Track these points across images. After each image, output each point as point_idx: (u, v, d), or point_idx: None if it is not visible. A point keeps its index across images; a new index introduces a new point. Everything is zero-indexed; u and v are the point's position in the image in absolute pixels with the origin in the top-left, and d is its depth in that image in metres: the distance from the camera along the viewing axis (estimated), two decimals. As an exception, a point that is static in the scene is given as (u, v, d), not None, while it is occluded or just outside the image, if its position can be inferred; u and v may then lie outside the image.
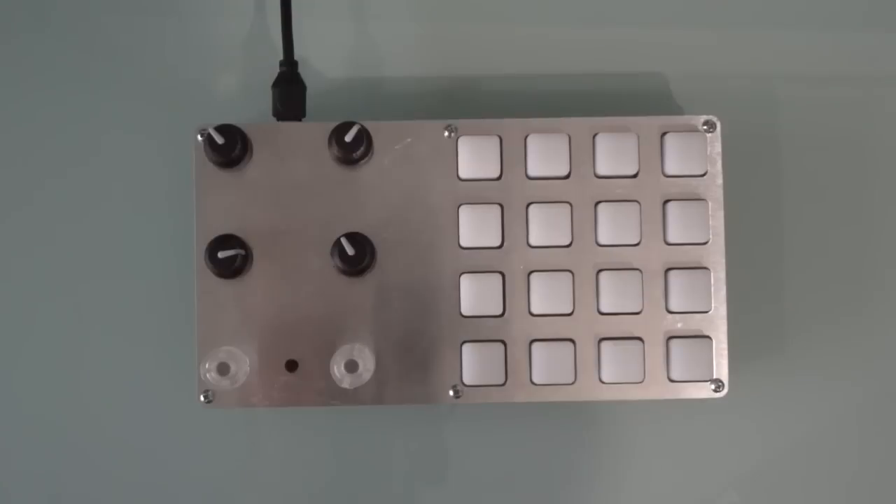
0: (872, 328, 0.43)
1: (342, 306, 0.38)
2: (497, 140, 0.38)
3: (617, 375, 0.38)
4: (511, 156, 0.38)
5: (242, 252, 0.37)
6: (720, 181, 0.38)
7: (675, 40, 0.43)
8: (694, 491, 0.43)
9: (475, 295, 0.38)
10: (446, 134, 0.38)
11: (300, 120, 0.39)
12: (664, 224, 0.38)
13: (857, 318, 0.43)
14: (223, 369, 0.36)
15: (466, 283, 0.38)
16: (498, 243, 0.38)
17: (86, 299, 0.42)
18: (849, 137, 0.43)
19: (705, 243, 0.38)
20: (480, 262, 0.38)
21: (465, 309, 0.38)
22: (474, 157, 0.38)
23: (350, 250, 0.37)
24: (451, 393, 0.38)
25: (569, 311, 0.38)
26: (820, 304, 0.43)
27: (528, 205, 0.38)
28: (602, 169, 0.38)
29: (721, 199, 0.38)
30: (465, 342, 0.38)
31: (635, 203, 0.38)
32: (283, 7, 0.40)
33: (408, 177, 0.38)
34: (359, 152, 0.37)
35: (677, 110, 0.43)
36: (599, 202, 0.38)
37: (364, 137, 0.37)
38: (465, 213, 0.38)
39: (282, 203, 0.38)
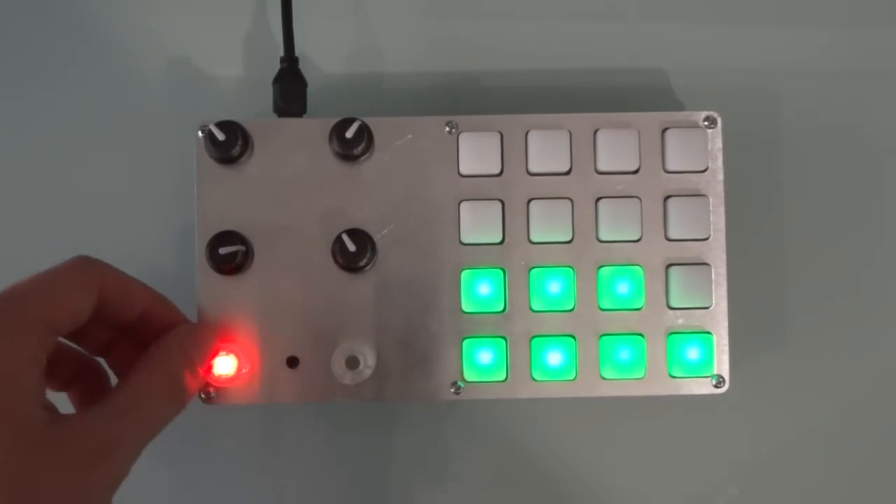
0: (874, 323, 0.43)
1: (343, 302, 0.38)
2: (498, 136, 0.38)
3: (618, 372, 0.38)
4: (512, 152, 0.38)
5: (243, 248, 0.37)
6: (721, 177, 0.38)
7: (676, 36, 0.43)
8: (694, 486, 0.43)
9: (476, 291, 0.38)
10: (447, 130, 0.38)
11: (301, 116, 0.39)
12: (665, 220, 0.38)
13: (858, 314, 0.43)
14: (224, 366, 0.36)
15: (467, 279, 0.38)
16: (499, 239, 0.38)
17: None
18: (850, 133, 0.43)
19: (706, 239, 0.38)
20: (481, 258, 0.38)
21: (466, 305, 0.38)
22: (475, 154, 0.38)
23: (351, 246, 0.37)
24: (451, 389, 0.38)
25: (570, 308, 0.38)
26: (821, 300, 0.43)
27: (529, 201, 0.38)
28: (603, 165, 0.38)
29: (722, 194, 0.38)
30: (466, 338, 0.38)
31: (636, 199, 0.38)
32: (284, 3, 0.40)
33: (408, 173, 0.38)
34: (359, 148, 0.37)
35: (678, 106, 0.43)
36: (600, 198, 0.38)
37: (365, 133, 0.37)
38: (466, 209, 0.38)
39: (282, 199, 0.38)
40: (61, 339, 0.33)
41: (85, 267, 0.33)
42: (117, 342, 0.35)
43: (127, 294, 0.34)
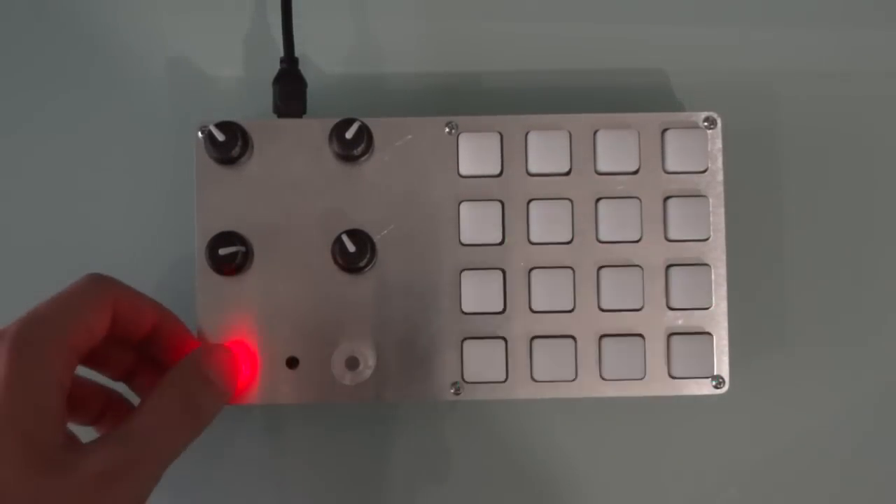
0: (873, 323, 0.43)
1: (343, 303, 0.38)
2: (498, 136, 0.38)
3: (618, 372, 0.38)
4: (512, 152, 0.38)
5: (243, 249, 0.37)
6: (721, 178, 0.38)
7: (676, 37, 0.43)
8: (694, 487, 0.43)
9: (476, 292, 0.38)
10: (447, 130, 0.38)
11: (301, 117, 0.39)
12: (665, 221, 0.38)
13: (858, 314, 0.43)
14: None
15: (467, 279, 0.38)
16: (499, 240, 0.38)
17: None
18: (850, 134, 0.43)
19: (706, 240, 0.38)
20: (481, 258, 0.38)
21: (466, 306, 0.38)
22: (475, 154, 0.38)
23: (351, 247, 0.37)
24: (451, 390, 0.38)
25: (570, 308, 0.38)
26: (821, 300, 0.43)
27: (529, 201, 0.38)
28: (603, 165, 0.38)
29: (722, 195, 0.38)
30: (465, 339, 0.38)
31: (636, 200, 0.38)
32: (284, 4, 0.40)
33: (408, 173, 0.38)
34: (359, 149, 0.37)
35: (678, 107, 0.43)
36: (600, 199, 0.38)
37: (364, 134, 0.37)
38: (466, 210, 0.38)
39: (282, 200, 0.38)
40: (82, 375, 0.33)
41: (97, 285, 0.33)
42: (138, 366, 0.36)
43: (137, 310, 0.34)
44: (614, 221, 0.38)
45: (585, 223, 0.38)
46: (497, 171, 0.38)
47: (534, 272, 0.38)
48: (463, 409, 0.42)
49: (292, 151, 0.38)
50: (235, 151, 0.37)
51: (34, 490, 0.27)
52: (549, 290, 0.38)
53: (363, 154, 0.38)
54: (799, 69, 0.44)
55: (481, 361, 0.38)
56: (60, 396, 0.29)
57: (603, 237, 0.38)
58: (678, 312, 0.38)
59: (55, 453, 0.28)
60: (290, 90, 0.39)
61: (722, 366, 0.38)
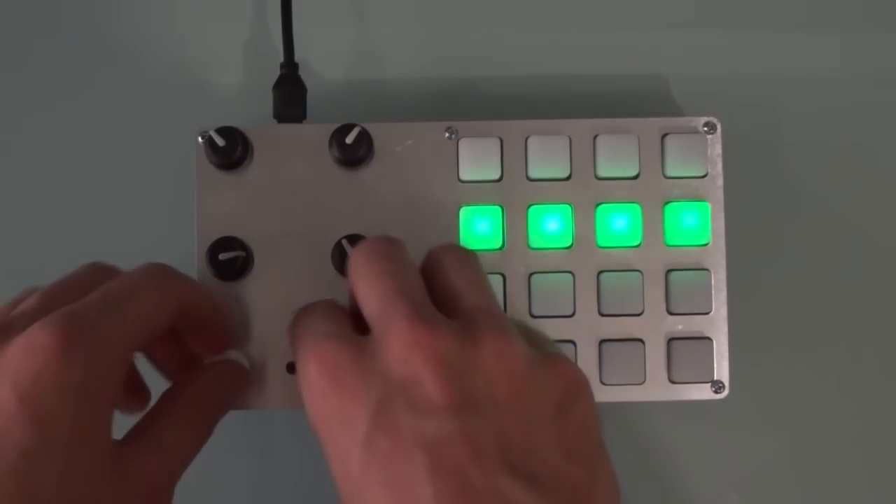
0: (874, 329, 0.43)
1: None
2: (498, 142, 0.38)
3: (618, 377, 0.38)
4: (511, 157, 0.38)
5: (243, 254, 0.37)
6: (721, 182, 0.38)
7: (675, 42, 0.44)
8: (694, 492, 0.43)
9: (476, 297, 0.38)
10: (447, 135, 0.38)
11: (301, 122, 0.39)
12: (664, 225, 0.38)
13: (858, 318, 0.43)
14: None
15: (467, 284, 0.38)
16: (499, 245, 0.38)
17: (86, 301, 0.42)
18: (850, 139, 0.43)
19: (706, 245, 0.38)
20: (481, 263, 0.38)
21: (466, 311, 0.38)
22: (475, 159, 0.38)
23: (351, 252, 0.37)
24: (451, 395, 0.38)
25: (570, 313, 0.38)
26: (821, 306, 0.43)
27: (529, 206, 0.38)
28: (602, 171, 0.38)
29: (722, 200, 0.38)
30: (465, 344, 0.38)
31: (636, 204, 0.38)
32: (284, 9, 0.40)
33: (408, 178, 0.38)
34: (359, 154, 0.37)
35: (678, 112, 0.43)
36: (600, 204, 0.38)
37: (365, 139, 0.37)
38: (466, 215, 0.38)
39: (282, 205, 0.38)
40: None
41: (165, 280, 0.32)
42: (163, 340, 0.35)
43: (195, 306, 0.33)
44: (614, 226, 0.38)
45: (585, 228, 0.38)
46: (497, 177, 0.38)
47: (533, 277, 0.38)
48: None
49: (292, 156, 0.38)
50: (235, 157, 0.37)
51: (94, 497, 0.27)
52: (548, 296, 0.38)
53: (363, 159, 0.38)
54: (799, 74, 0.44)
55: (481, 366, 0.38)
56: (116, 396, 0.29)
57: (602, 242, 0.38)
58: (678, 317, 0.38)
59: (109, 461, 0.28)
60: (290, 95, 0.39)
61: (722, 370, 0.38)
